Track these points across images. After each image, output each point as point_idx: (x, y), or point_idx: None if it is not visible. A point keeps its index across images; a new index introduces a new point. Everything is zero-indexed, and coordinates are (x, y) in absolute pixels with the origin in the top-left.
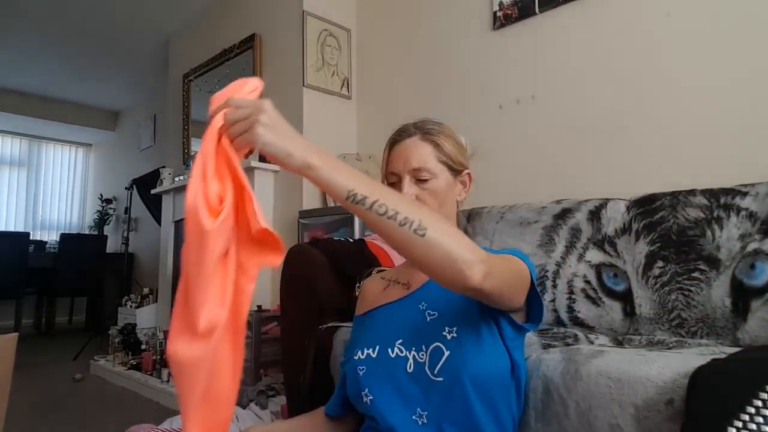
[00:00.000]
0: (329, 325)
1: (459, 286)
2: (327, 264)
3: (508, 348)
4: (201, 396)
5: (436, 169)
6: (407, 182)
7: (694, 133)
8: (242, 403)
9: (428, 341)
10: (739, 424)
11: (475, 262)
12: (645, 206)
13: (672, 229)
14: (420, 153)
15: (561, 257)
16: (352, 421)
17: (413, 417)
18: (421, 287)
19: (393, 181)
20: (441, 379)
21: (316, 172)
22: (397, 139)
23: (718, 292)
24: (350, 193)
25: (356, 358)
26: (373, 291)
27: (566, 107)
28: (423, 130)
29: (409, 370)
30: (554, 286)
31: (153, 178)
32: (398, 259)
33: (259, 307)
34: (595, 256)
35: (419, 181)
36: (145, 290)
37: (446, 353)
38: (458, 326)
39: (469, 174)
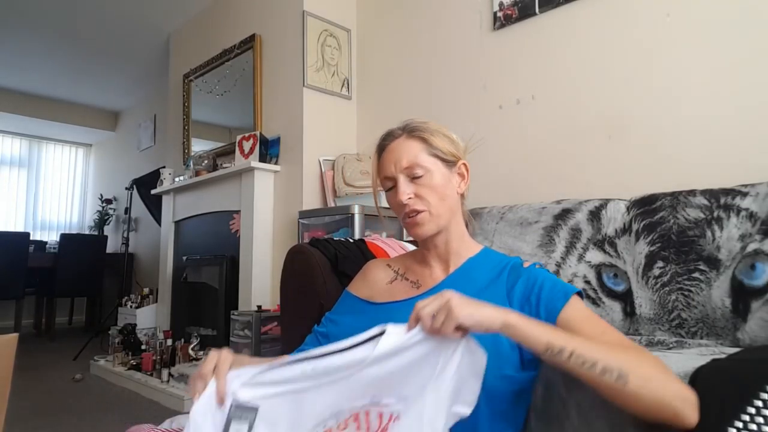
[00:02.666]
0: None
1: (674, 429)
2: (327, 264)
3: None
4: None
5: (428, 164)
6: (402, 181)
7: (694, 133)
8: None
9: None
10: (740, 425)
11: (686, 406)
12: (645, 206)
13: (672, 230)
14: (409, 151)
15: (561, 257)
16: None
17: None
18: (432, 289)
19: (389, 186)
20: None
21: (515, 329)
22: (383, 144)
23: (718, 293)
24: (548, 346)
25: None
26: (377, 279)
27: (566, 107)
28: (408, 129)
29: None
30: None
31: (153, 178)
32: None
33: (259, 307)
34: (595, 256)
35: (414, 178)
36: (145, 290)
37: None
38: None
39: (465, 165)
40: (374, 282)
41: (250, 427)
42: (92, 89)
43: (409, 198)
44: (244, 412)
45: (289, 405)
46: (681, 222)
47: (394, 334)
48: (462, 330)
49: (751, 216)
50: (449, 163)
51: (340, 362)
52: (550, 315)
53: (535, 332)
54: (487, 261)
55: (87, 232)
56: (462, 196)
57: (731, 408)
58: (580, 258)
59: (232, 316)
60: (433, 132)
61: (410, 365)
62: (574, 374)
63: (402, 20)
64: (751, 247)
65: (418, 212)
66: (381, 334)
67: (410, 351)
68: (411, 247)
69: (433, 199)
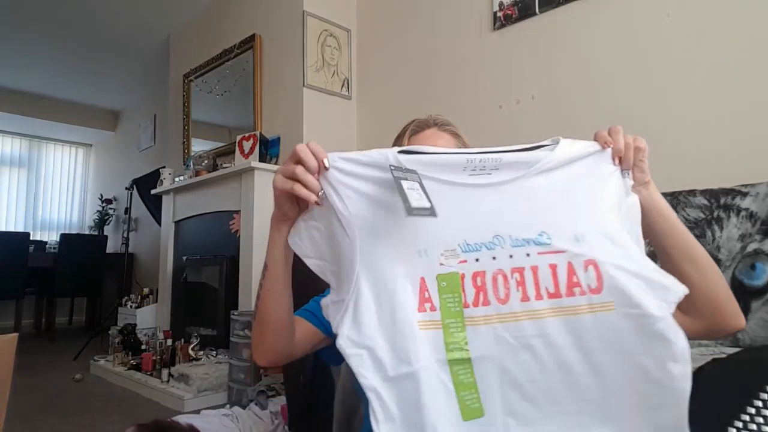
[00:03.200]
0: None
1: (730, 327)
2: None
3: None
4: None
5: None
6: None
7: (694, 133)
8: (242, 403)
9: None
10: (740, 425)
11: (740, 312)
12: None
13: None
14: (443, 143)
15: None
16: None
17: None
18: None
19: None
20: None
21: (659, 194)
22: (417, 129)
23: None
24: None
25: None
26: None
27: (566, 107)
28: (438, 122)
29: None
30: None
31: (153, 178)
32: None
33: None
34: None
35: None
36: (145, 290)
37: None
38: None
39: None
40: None
41: (422, 185)
42: (92, 89)
43: None
44: (406, 173)
45: (443, 195)
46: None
47: (569, 144)
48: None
49: (751, 216)
50: None
51: (508, 158)
52: None
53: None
54: None
55: (87, 232)
56: None
57: (732, 407)
58: None
59: (232, 316)
60: (458, 130)
61: (578, 188)
62: (684, 243)
63: (402, 20)
64: (751, 247)
65: None
66: (554, 144)
67: (583, 164)
68: None
69: None
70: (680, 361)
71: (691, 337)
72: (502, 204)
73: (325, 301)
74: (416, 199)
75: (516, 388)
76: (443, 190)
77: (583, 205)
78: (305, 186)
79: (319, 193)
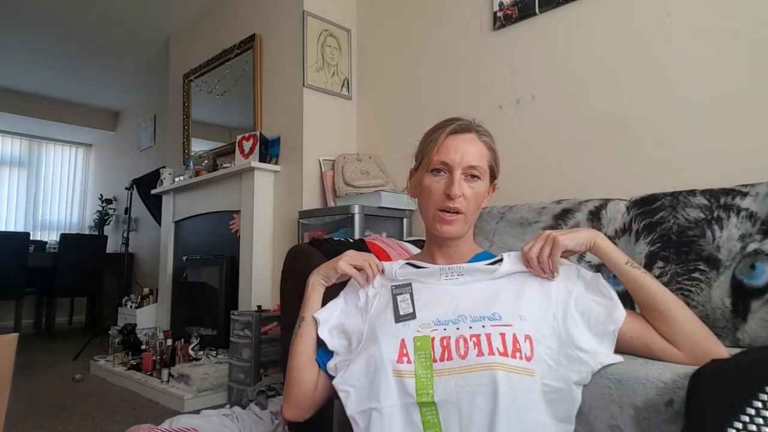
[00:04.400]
0: None
1: (710, 357)
2: None
3: None
4: None
5: (483, 172)
6: (459, 178)
7: (694, 133)
8: (242, 403)
9: None
10: (740, 426)
11: (718, 342)
12: (645, 206)
13: (672, 230)
14: (477, 151)
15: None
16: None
17: None
18: None
19: (440, 170)
20: None
21: (603, 246)
22: (457, 130)
23: (718, 293)
24: (628, 260)
25: None
26: None
27: (566, 107)
28: (479, 130)
29: None
30: None
31: (153, 178)
32: (398, 258)
33: (259, 307)
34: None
35: (470, 177)
36: (145, 290)
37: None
38: None
39: (496, 184)
40: None
41: (411, 296)
42: (92, 89)
43: (460, 196)
44: (402, 288)
45: (425, 291)
46: (681, 222)
47: (509, 263)
48: (568, 252)
49: (751, 216)
50: (492, 177)
51: (468, 268)
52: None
53: (617, 250)
54: (487, 258)
55: (87, 232)
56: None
57: (731, 408)
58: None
59: (232, 316)
60: (494, 144)
61: (518, 287)
62: (642, 289)
63: (402, 20)
64: (751, 247)
65: (458, 212)
66: (500, 260)
67: (521, 277)
68: (411, 247)
69: (473, 206)
70: (567, 422)
71: (678, 363)
72: (465, 296)
73: (331, 365)
74: (404, 309)
75: (471, 427)
76: (425, 288)
77: (524, 298)
78: (370, 271)
79: (369, 282)
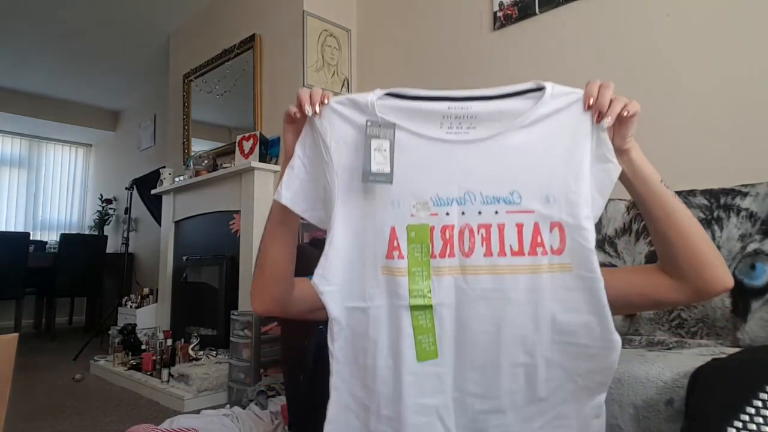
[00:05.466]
0: None
1: (718, 288)
2: None
3: None
4: None
5: None
6: None
7: (694, 133)
8: (242, 403)
9: None
10: (739, 425)
11: (727, 271)
12: None
13: None
14: None
15: None
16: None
17: None
18: None
19: None
20: None
21: (641, 158)
22: None
23: None
24: (661, 178)
25: None
26: None
27: None
28: None
29: None
30: None
31: (153, 178)
32: None
33: None
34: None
35: None
36: (145, 290)
37: None
38: None
39: None
40: None
41: (392, 145)
42: (92, 89)
43: None
44: (381, 128)
45: (419, 149)
46: None
47: (553, 97)
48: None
49: (751, 216)
50: None
51: (488, 111)
52: None
53: (650, 166)
54: None
55: (87, 232)
56: None
57: (731, 408)
58: None
59: (232, 316)
60: None
61: (555, 148)
62: (667, 208)
63: (402, 20)
64: (751, 247)
65: None
66: (538, 89)
67: (564, 119)
68: None
69: None
70: (611, 317)
71: (680, 302)
72: (476, 161)
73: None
74: (378, 163)
75: (469, 336)
76: (420, 145)
77: (557, 167)
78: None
79: (317, 109)
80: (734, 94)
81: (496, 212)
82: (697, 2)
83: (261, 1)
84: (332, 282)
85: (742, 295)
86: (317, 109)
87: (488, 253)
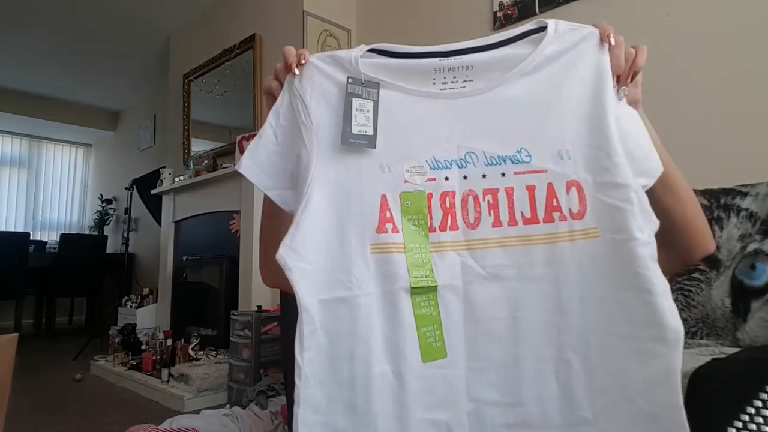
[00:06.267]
0: None
1: (704, 252)
2: None
3: None
4: None
5: None
6: None
7: (694, 133)
8: (242, 403)
9: None
10: (739, 425)
11: (712, 238)
12: None
13: None
14: None
15: None
16: None
17: None
18: None
19: None
20: None
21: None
22: None
23: (718, 293)
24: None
25: None
26: None
27: None
28: None
29: None
30: None
31: (153, 178)
32: None
33: (259, 307)
34: None
35: None
36: (145, 290)
37: None
38: None
39: None
40: None
41: (375, 106)
42: (92, 89)
43: None
44: (364, 87)
45: (410, 106)
46: None
47: (557, 36)
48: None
49: (751, 216)
50: None
51: (484, 61)
52: None
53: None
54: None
55: (87, 232)
56: None
57: (731, 407)
58: None
59: (232, 316)
60: None
61: (564, 93)
62: (668, 172)
63: (402, 20)
64: (751, 247)
65: None
66: (540, 30)
67: (572, 59)
68: None
69: None
70: (663, 294)
71: (665, 271)
72: (476, 117)
73: None
74: (360, 124)
75: (482, 326)
76: (411, 102)
77: (570, 115)
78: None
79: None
80: (734, 94)
81: (503, 174)
82: (697, 2)
83: (261, 1)
84: (305, 258)
85: (742, 295)
86: (295, 69)
87: (497, 223)
